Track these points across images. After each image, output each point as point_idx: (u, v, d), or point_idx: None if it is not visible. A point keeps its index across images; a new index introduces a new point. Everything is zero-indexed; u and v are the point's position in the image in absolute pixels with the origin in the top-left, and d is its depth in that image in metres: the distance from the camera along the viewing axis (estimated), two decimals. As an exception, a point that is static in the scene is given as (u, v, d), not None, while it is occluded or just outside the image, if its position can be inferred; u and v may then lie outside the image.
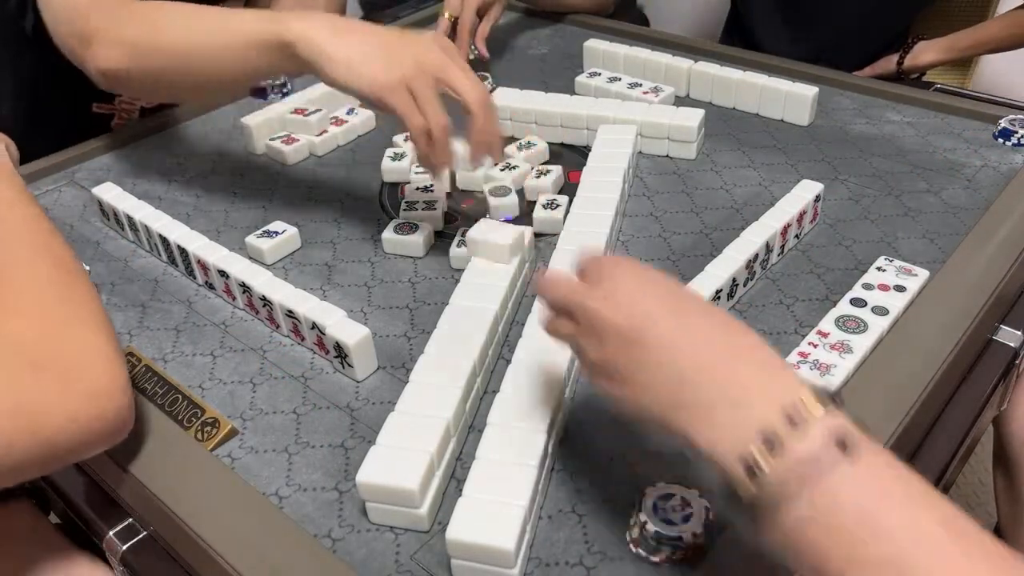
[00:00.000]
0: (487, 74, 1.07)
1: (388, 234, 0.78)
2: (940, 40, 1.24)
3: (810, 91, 0.93)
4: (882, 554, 0.35)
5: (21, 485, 0.62)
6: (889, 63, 1.26)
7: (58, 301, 0.54)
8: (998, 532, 0.85)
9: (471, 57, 1.08)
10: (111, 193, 0.82)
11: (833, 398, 0.41)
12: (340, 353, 0.63)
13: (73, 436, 0.49)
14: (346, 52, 0.67)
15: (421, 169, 0.88)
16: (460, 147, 0.72)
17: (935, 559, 0.35)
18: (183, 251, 0.74)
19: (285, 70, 0.76)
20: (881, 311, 0.64)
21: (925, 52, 1.24)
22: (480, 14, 1.07)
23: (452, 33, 1.05)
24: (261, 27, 0.70)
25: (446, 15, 1.06)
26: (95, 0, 0.78)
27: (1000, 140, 0.89)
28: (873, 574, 0.35)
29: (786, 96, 0.94)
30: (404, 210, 0.82)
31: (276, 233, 0.79)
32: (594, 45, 1.08)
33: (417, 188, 0.85)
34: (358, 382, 0.64)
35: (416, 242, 0.77)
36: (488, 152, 0.72)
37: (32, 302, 0.54)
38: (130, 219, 0.80)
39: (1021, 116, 0.89)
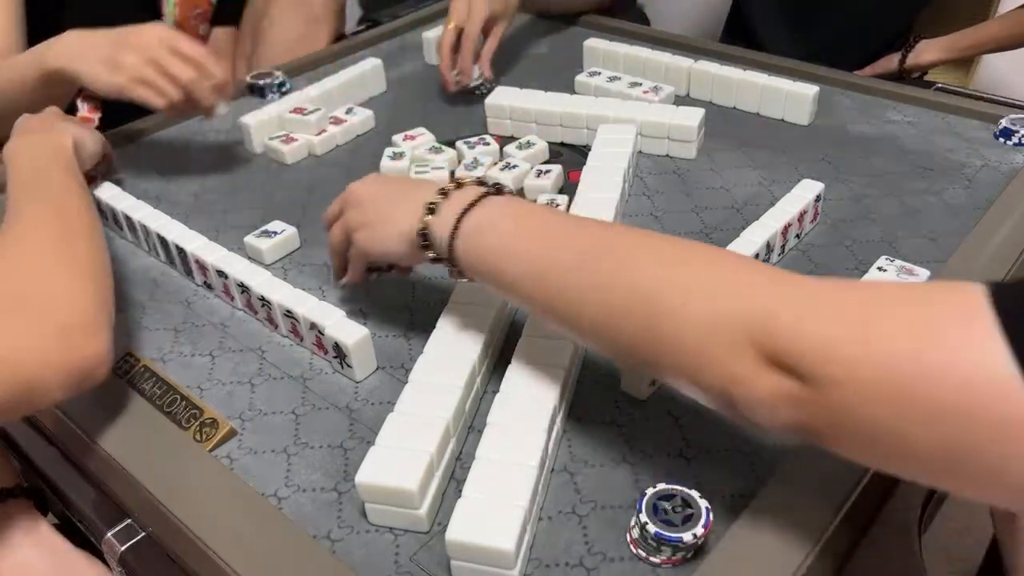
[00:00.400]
0: (488, 81, 1.06)
1: None
2: (941, 39, 1.24)
3: (810, 90, 0.93)
4: (535, 253, 0.51)
5: (20, 485, 0.62)
6: (891, 62, 1.26)
7: (51, 247, 0.57)
8: (994, 543, 0.84)
9: (476, 77, 1.05)
10: (109, 193, 0.82)
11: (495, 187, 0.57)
12: (339, 353, 0.63)
13: (48, 377, 0.50)
14: (87, 68, 0.82)
15: (420, 170, 0.88)
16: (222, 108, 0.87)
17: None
18: (181, 251, 0.74)
19: (66, 94, 0.91)
20: (882, 311, 0.64)
21: (927, 51, 1.24)
22: (485, 30, 1.03)
23: (456, 42, 1.02)
24: (27, 68, 0.86)
25: (451, 25, 1.02)
26: None
27: (1001, 140, 0.89)
28: (527, 270, 0.51)
29: (786, 96, 0.94)
30: None
31: (275, 233, 0.78)
32: (594, 45, 1.08)
33: None
34: (357, 382, 0.64)
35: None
36: (222, 96, 0.86)
37: (25, 248, 0.57)
38: (128, 219, 0.80)
39: (1021, 115, 0.89)
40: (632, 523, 0.49)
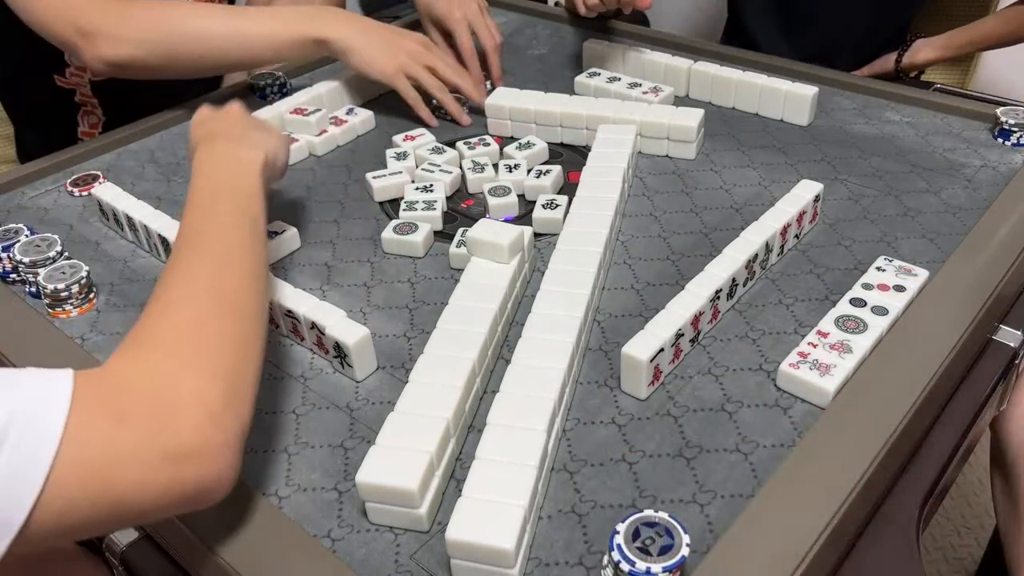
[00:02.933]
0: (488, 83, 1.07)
1: (388, 234, 0.78)
2: (937, 38, 1.24)
3: (810, 91, 0.93)
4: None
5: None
6: (887, 62, 1.27)
7: (187, 342, 0.48)
8: (997, 533, 0.85)
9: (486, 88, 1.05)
10: (110, 193, 0.82)
11: None
12: (340, 353, 0.63)
13: (145, 500, 0.43)
14: (363, 48, 0.94)
15: (427, 170, 0.88)
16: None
17: None
18: (165, 240, 0.74)
19: (309, 58, 1.01)
20: (881, 311, 0.64)
21: (923, 50, 1.24)
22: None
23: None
24: (295, 29, 0.93)
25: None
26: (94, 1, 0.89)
27: (999, 140, 0.89)
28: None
29: (786, 96, 0.95)
30: (404, 210, 0.82)
31: (276, 233, 0.79)
32: (594, 45, 1.08)
33: (417, 188, 0.85)
34: (357, 382, 0.64)
35: (415, 242, 0.77)
36: (476, 97, 1.00)
37: (156, 337, 0.48)
38: (128, 219, 0.80)
39: (1015, 108, 0.89)
40: (604, 561, 0.48)
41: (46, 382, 0.41)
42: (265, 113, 0.96)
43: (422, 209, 0.81)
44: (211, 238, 0.56)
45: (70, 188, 0.90)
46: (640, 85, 1.00)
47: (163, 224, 0.77)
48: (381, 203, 0.86)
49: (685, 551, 0.45)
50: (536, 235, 0.78)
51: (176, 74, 0.97)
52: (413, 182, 0.87)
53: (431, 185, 0.85)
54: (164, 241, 0.76)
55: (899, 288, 0.66)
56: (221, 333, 0.49)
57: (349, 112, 1.00)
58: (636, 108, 0.91)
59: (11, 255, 0.75)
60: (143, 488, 0.42)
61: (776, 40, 1.29)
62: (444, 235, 0.80)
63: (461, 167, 0.89)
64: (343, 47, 0.93)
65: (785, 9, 1.29)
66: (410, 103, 0.97)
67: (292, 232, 0.79)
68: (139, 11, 0.91)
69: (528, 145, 0.91)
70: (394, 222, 0.79)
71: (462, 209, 0.85)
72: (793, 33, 1.29)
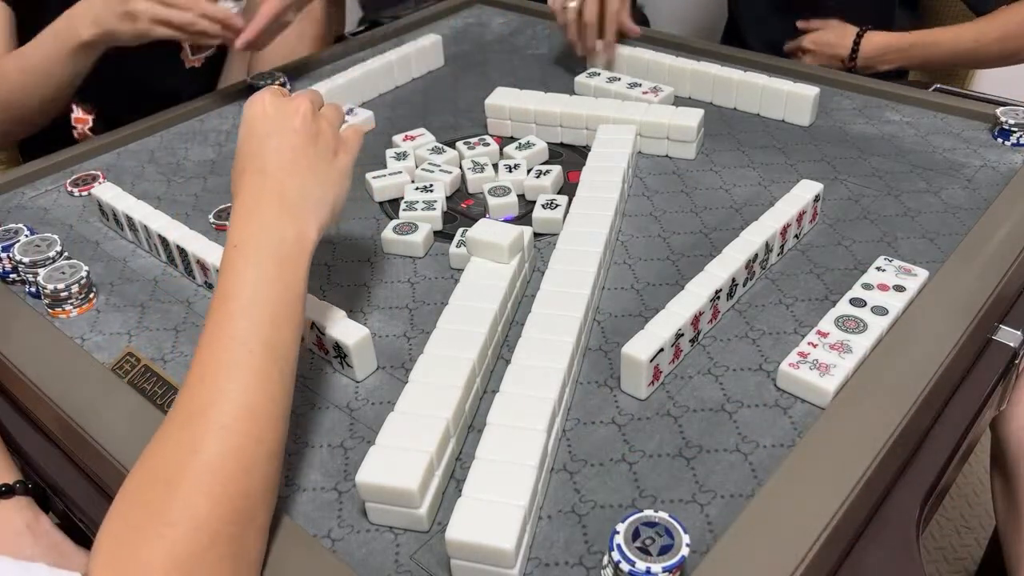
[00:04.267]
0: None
1: (388, 234, 0.78)
2: (887, 33, 1.21)
3: (811, 91, 0.93)
4: None
5: (22, 483, 0.62)
6: (837, 47, 1.22)
7: (217, 532, 0.43)
8: (997, 533, 0.85)
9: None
10: (110, 193, 0.82)
11: None
12: (340, 353, 0.63)
13: None
14: (113, 25, 0.90)
15: (427, 170, 0.88)
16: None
17: None
18: (182, 251, 0.74)
19: (88, 62, 0.95)
20: (881, 311, 0.64)
21: (871, 40, 1.20)
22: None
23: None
24: (58, 47, 0.92)
25: (572, 4, 1.03)
26: None
27: (999, 140, 0.89)
28: None
29: (787, 96, 0.94)
30: (404, 210, 0.82)
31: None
32: (596, 46, 1.08)
33: (417, 188, 0.85)
34: (357, 382, 0.64)
35: (415, 242, 0.77)
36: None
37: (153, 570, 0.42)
38: (128, 219, 0.80)
39: (1016, 108, 0.89)
40: (604, 561, 0.48)
41: None
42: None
43: (422, 209, 0.81)
44: (226, 415, 0.47)
45: (70, 188, 0.90)
46: (640, 85, 1.00)
47: (163, 224, 0.77)
48: (381, 203, 0.86)
49: (685, 551, 0.45)
50: (536, 235, 0.79)
51: (23, 120, 1.00)
52: (413, 182, 0.87)
53: (431, 185, 0.85)
54: (164, 241, 0.76)
55: (899, 288, 0.66)
56: (226, 559, 0.44)
57: (349, 112, 1.00)
58: (636, 108, 0.91)
59: (11, 255, 0.75)
60: None
61: (772, 44, 1.29)
62: (444, 235, 0.80)
63: (461, 167, 0.89)
64: (102, 36, 0.91)
65: (778, 13, 1.29)
66: (180, 39, 0.93)
67: None
68: None
69: (528, 145, 0.91)
70: (394, 222, 0.79)
71: (462, 209, 0.85)
72: (786, 33, 1.29)
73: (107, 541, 0.43)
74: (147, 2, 0.89)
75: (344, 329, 0.63)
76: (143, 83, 1.00)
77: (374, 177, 0.87)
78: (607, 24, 1.03)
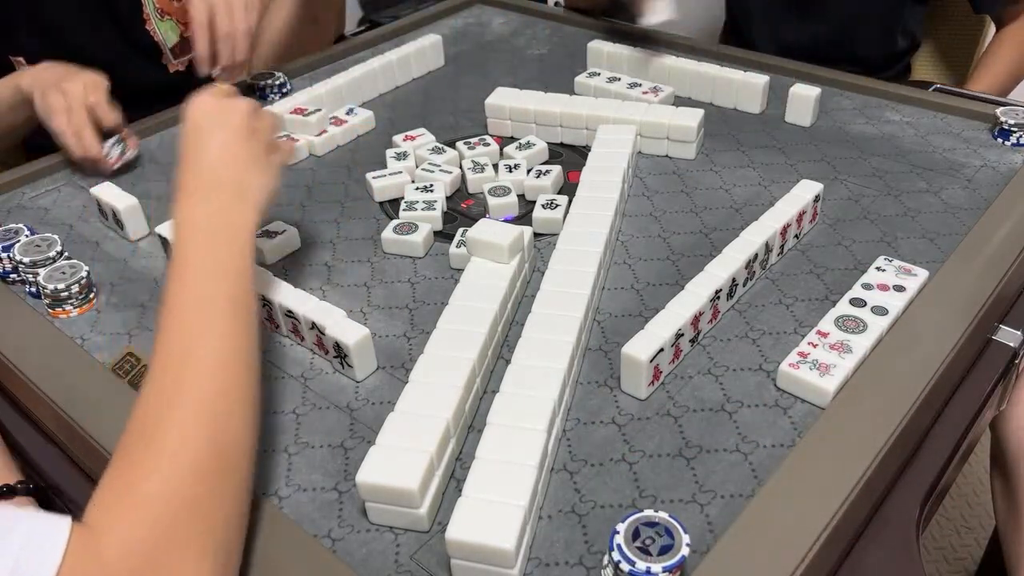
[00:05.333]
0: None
1: (388, 234, 0.78)
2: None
3: (812, 92, 0.93)
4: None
5: (23, 484, 0.62)
6: None
7: (183, 516, 0.44)
8: (997, 533, 0.85)
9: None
10: (110, 193, 0.82)
11: None
12: (340, 353, 0.63)
13: None
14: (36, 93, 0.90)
15: (427, 170, 0.88)
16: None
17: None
18: (183, 251, 0.74)
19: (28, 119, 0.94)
20: (880, 311, 0.64)
21: None
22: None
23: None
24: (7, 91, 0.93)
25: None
26: None
27: (999, 140, 0.89)
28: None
29: (789, 97, 0.94)
30: (404, 210, 0.82)
31: (276, 233, 0.79)
32: (598, 46, 1.08)
33: (417, 188, 0.85)
34: (357, 382, 0.64)
35: (415, 242, 0.77)
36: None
37: (152, 502, 0.44)
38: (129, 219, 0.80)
39: (1016, 108, 0.89)
40: (604, 561, 0.48)
41: (42, 535, 0.40)
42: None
43: (422, 209, 0.81)
44: (204, 362, 0.49)
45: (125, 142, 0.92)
46: (640, 85, 1.00)
47: (163, 225, 0.77)
48: (381, 203, 0.86)
49: (685, 551, 0.45)
50: (536, 235, 0.79)
51: None
52: (413, 182, 0.87)
53: (431, 185, 0.85)
54: (164, 241, 0.76)
55: (899, 288, 0.66)
56: (218, 499, 0.46)
57: (349, 112, 1.00)
58: (636, 108, 0.91)
59: (11, 255, 0.75)
60: None
61: (774, 44, 1.29)
62: (444, 235, 0.80)
63: (461, 167, 0.89)
64: (29, 96, 0.91)
65: (780, 12, 1.29)
66: (65, 143, 0.90)
67: (292, 232, 0.79)
68: None
69: (528, 145, 0.91)
70: (394, 222, 0.79)
71: (462, 209, 0.85)
72: (788, 35, 1.29)
73: (92, 506, 0.44)
74: (61, 99, 0.88)
75: (344, 329, 0.63)
76: (131, 87, 0.99)
77: (374, 177, 0.87)
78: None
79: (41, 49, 1.01)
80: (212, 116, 0.61)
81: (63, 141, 0.89)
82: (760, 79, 0.96)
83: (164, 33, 1.12)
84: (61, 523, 0.41)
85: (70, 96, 0.88)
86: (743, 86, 0.97)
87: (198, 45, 0.90)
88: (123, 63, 1.06)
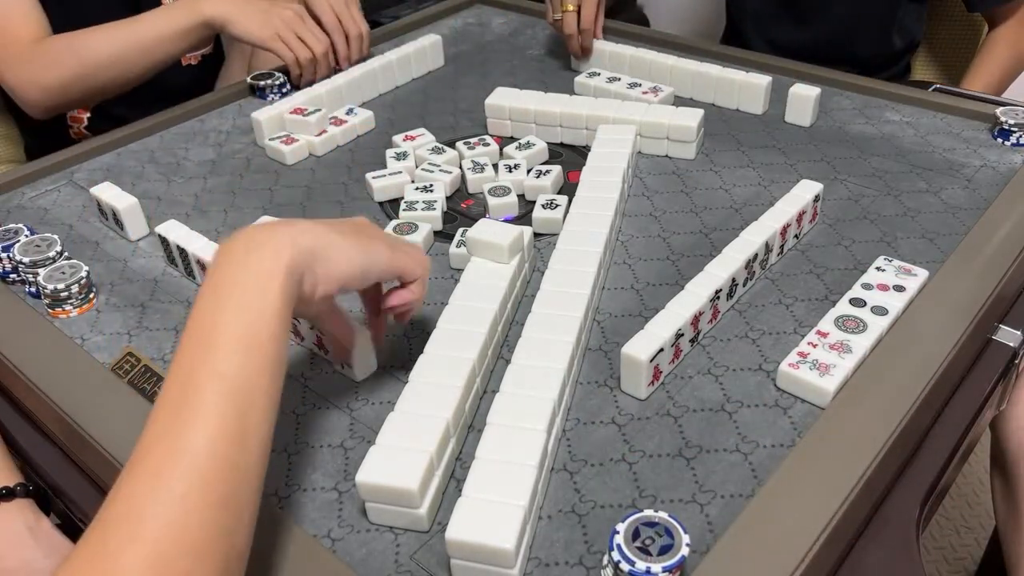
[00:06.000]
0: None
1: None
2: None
3: (812, 92, 0.93)
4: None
5: (23, 486, 0.62)
6: None
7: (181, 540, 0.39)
8: (997, 533, 0.85)
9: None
10: (109, 193, 0.82)
11: None
12: (319, 342, 0.63)
13: None
14: (239, 17, 1.02)
15: (427, 170, 0.88)
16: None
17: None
18: (182, 251, 0.74)
19: (203, 43, 1.09)
20: (880, 311, 0.64)
21: None
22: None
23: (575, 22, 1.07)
24: (180, 19, 1.02)
25: (570, 7, 1.06)
26: (9, 49, 0.99)
27: (999, 140, 0.89)
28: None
29: (789, 97, 0.95)
30: (404, 210, 0.82)
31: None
32: (599, 46, 1.08)
33: (417, 188, 0.85)
34: (357, 383, 0.64)
35: (415, 242, 0.77)
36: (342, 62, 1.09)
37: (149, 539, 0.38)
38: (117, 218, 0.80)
39: (1016, 108, 0.89)
40: (604, 561, 0.48)
41: None
42: (265, 113, 0.97)
43: (422, 209, 0.81)
44: (200, 422, 0.42)
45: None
46: (640, 85, 1.00)
47: (163, 224, 0.77)
48: (381, 203, 0.86)
49: (685, 551, 0.45)
50: (536, 235, 0.79)
51: (114, 93, 1.06)
52: (413, 182, 0.87)
53: (431, 185, 0.85)
54: (164, 241, 0.76)
55: (899, 288, 0.66)
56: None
57: (349, 112, 1.00)
58: (636, 108, 0.91)
59: (11, 255, 0.75)
60: None
61: (772, 45, 1.29)
62: (444, 235, 0.80)
63: (461, 167, 0.89)
64: (223, 20, 1.01)
65: (778, 14, 1.29)
66: (287, 63, 1.05)
67: None
68: (50, 53, 1.00)
69: (528, 145, 0.91)
70: (394, 222, 0.79)
71: (462, 209, 0.85)
72: (786, 36, 1.29)
73: (82, 545, 0.39)
74: (294, 18, 1.03)
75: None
76: (144, 81, 1.00)
77: (374, 177, 0.87)
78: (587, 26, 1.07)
79: (55, 32, 1.03)
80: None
81: (307, 67, 1.05)
82: (762, 79, 0.96)
83: None
84: None
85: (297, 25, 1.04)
86: (745, 87, 0.97)
87: (339, 46, 1.07)
88: None
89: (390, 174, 0.88)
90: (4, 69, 1.01)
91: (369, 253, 0.53)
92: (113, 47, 1.01)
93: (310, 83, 1.04)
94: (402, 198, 0.84)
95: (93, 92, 1.04)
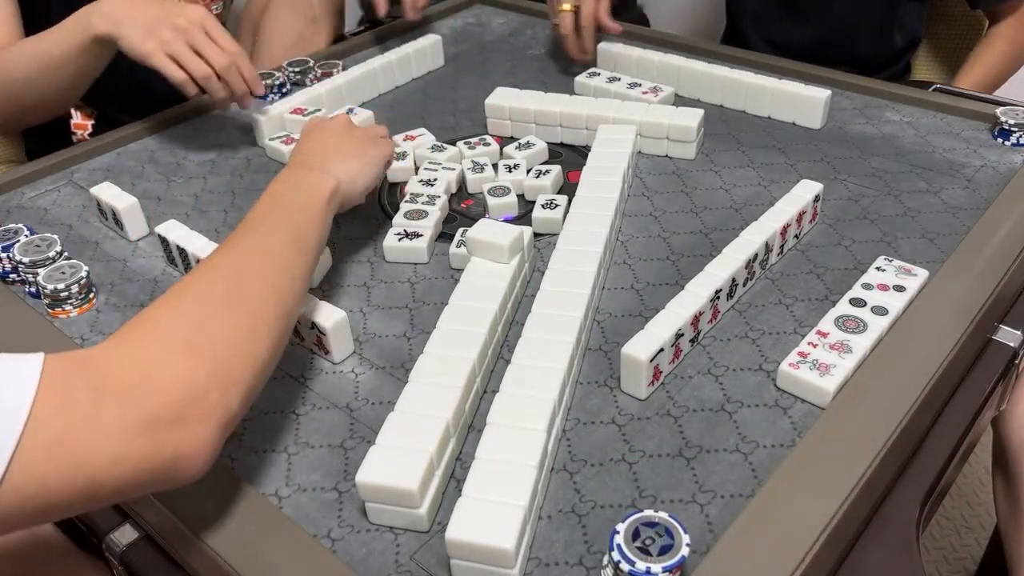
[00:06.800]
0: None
1: (389, 242, 0.77)
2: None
3: (823, 94, 0.93)
4: None
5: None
6: None
7: (187, 324, 0.48)
8: (998, 532, 0.85)
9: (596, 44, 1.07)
10: (109, 193, 0.82)
11: None
12: (319, 340, 0.64)
13: (120, 475, 0.42)
14: (125, 29, 0.85)
15: (430, 167, 0.88)
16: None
17: None
18: (182, 251, 0.74)
19: (108, 58, 0.91)
20: (880, 311, 0.64)
21: None
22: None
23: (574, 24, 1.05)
24: (75, 34, 0.87)
25: (567, 6, 1.04)
26: None
27: (999, 140, 0.89)
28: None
29: (797, 99, 0.94)
30: (406, 201, 0.81)
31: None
32: (606, 48, 1.08)
33: (420, 180, 0.85)
34: (357, 383, 0.64)
35: (419, 248, 0.76)
36: (246, 95, 0.91)
37: (157, 323, 0.48)
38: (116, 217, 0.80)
39: (1016, 108, 0.89)
40: (604, 561, 0.48)
41: (13, 365, 0.41)
42: (265, 113, 0.97)
43: (424, 203, 0.81)
44: (247, 244, 0.56)
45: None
46: (640, 85, 1.00)
47: (163, 224, 0.77)
48: (381, 203, 0.86)
49: (685, 551, 0.45)
50: (536, 235, 0.78)
51: (44, 115, 0.98)
52: (416, 173, 0.87)
53: (433, 180, 0.85)
54: (164, 241, 0.76)
55: (899, 288, 0.66)
56: (224, 325, 0.49)
57: (349, 112, 1.00)
58: (636, 108, 0.91)
59: (11, 255, 0.75)
60: (118, 463, 0.42)
61: (771, 45, 1.29)
62: (444, 235, 0.80)
63: (461, 167, 0.89)
64: (113, 36, 0.85)
65: (777, 15, 1.28)
66: (175, 83, 0.86)
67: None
68: None
69: (528, 145, 0.91)
70: (393, 230, 0.78)
71: (462, 209, 0.85)
72: (786, 36, 1.29)
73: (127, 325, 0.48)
74: (178, 36, 0.84)
75: (320, 312, 0.64)
76: (140, 84, 0.99)
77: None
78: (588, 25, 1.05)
79: None
80: (318, 123, 0.75)
81: (207, 86, 0.87)
82: (822, 93, 0.93)
83: None
84: (35, 356, 0.42)
85: (195, 38, 0.85)
86: (801, 100, 0.94)
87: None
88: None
89: (399, 159, 0.89)
90: None
91: (373, 165, 0.73)
92: (27, 66, 0.90)
93: (228, 105, 0.91)
94: (405, 196, 0.84)
95: (20, 112, 0.95)
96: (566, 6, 1.05)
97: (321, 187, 0.64)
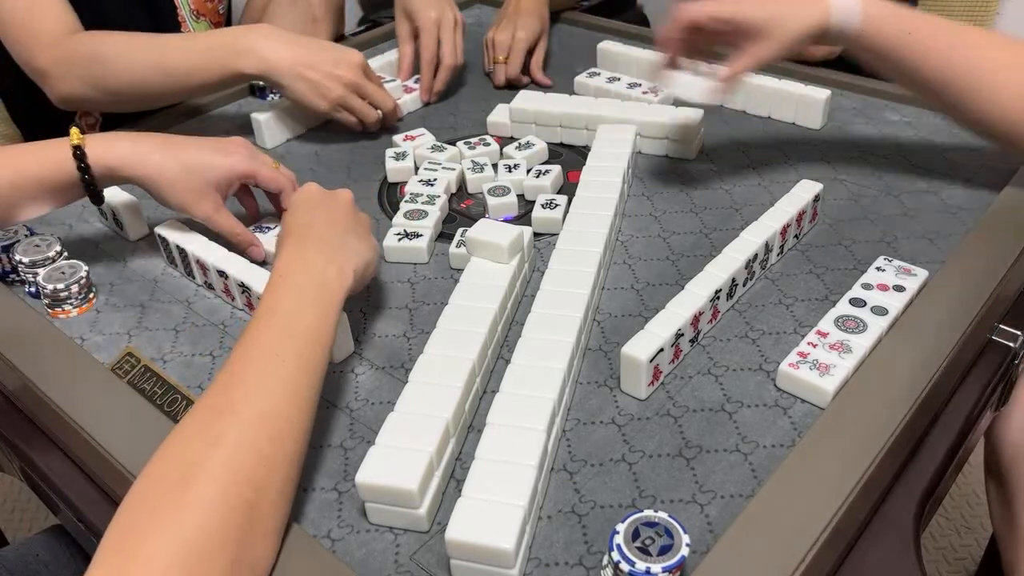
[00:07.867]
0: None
1: (389, 242, 0.77)
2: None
3: (822, 94, 0.93)
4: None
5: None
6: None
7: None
8: (993, 541, 0.85)
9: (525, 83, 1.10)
10: (109, 192, 0.82)
11: None
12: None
13: None
14: (295, 85, 0.91)
15: (430, 167, 0.88)
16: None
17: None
18: (182, 251, 0.74)
19: (239, 84, 0.97)
20: (880, 311, 0.64)
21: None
22: (529, 51, 1.10)
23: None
24: (219, 63, 0.89)
25: (501, 58, 1.08)
26: (41, 39, 0.92)
27: (999, 140, 0.89)
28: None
29: (797, 99, 0.94)
30: (406, 201, 0.81)
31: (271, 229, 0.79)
32: (607, 47, 1.08)
33: (420, 180, 0.85)
34: (357, 382, 0.64)
35: (419, 248, 0.76)
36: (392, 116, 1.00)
37: (154, 566, 0.41)
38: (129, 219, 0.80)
39: None
40: (604, 562, 0.48)
41: None
42: (265, 113, 0.97)
43: (423, 203, 0.81)
44: (253, 410, 0.49)
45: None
46: (640, 85, 1.00)
47: (163, 225, 0.77)
48: (381, 204, 0.86)
49: (685, 551, 0.45)
50: (536, 235, 0.78)
51: (130, 107, 0.99)
52: (416, 172, 0.87)
53: (433, 180, 0.85)
54: (164, 241, 0.76)
55: (899, 288, 0.66)
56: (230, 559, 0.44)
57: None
58: (636, 108, 0.91)
59: (11, 255, 0.75)
60: None
61: None
62: (444, 235, 0.80)
63: (460, 167, 0.89)
64: (275, 81, 0.90)
65: None
66: (352, 127, 0.96)
67: None
68: (80, 49, 0.91)
69: (528, 145, 0.91)
70: (393, 229, 0.79)
71: (462, 209, 0.85)
72: None
73: (114, 533, 0.43)
74: (348, 91, 0.92)
75: None
76: None
77: (390, 156, 0.89)
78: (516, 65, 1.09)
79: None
80: (322, 194, 0.66)
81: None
82: (821, 93, 0.93)
83: None
84: None
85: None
86: (801, 100, 0.94)
87: (425, 77, 1.05)
88: None
89: (398, 158, 0.89)
90: (35, 57, 0.92)
91: (370, 249, 0.65)
92: (138, 72, 0.91)
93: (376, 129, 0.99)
94: (405, 192, 0.84)
95: (117, 102, 0.96)
96: (500, 58, 1.08)
97: (338, 286, 0.58)
